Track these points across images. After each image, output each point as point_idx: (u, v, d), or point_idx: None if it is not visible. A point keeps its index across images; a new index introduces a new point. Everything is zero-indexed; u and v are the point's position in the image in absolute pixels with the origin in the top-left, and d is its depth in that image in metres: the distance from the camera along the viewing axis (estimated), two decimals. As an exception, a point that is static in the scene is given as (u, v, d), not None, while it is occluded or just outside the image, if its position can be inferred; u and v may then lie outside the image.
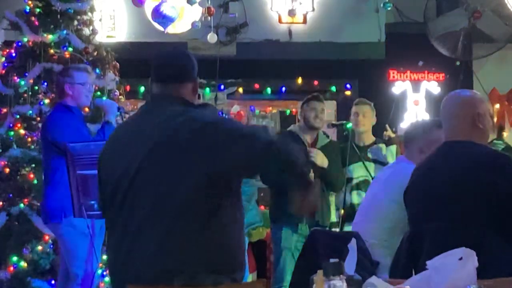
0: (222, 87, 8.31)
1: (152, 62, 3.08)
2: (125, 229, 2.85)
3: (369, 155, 6.00)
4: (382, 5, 7.91)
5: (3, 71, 6.08)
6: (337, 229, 5.71)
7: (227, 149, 2.78)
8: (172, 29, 7.54)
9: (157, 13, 7.36)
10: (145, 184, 2.82)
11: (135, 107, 8.57)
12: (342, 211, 5.87)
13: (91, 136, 4.95)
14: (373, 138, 6.18)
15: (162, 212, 2.78)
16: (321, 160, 5.73)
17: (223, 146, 2.79)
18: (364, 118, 6.11)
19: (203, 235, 2.77)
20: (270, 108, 9.31)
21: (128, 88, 6.80)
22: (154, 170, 2.81)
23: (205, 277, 2.77)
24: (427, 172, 3.37)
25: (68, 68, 5.25)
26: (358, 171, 5.89)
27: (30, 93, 5.94)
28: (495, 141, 7.10)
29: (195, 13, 7.58)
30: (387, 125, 6.48)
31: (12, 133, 5.93)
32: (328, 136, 6.13)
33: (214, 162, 2.77)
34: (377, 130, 6.32)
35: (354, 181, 5.91)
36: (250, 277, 6.23)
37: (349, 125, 6.25)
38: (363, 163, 5.77)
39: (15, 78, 5.98)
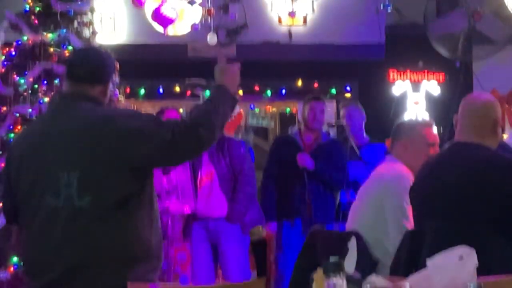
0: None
1: (67, 59, 3.14)
2: (45, 228, 2.90)
3: None
4: (382, 6, 7.91)
5: (3, 70, 6.07)
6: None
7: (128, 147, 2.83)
8: (172, 30, 7.54)
9: (157, 15, 7.37)
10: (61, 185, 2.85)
11: (136, 108, 8.59)
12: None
13: None
14: (366, 139, 6.25)
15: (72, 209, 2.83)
16: (304, 162, 5.78)
17: (124, 143, 2.83)
18: (350, 119, 6.20)
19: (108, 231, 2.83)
20: (270, 108, 9.31)
21: (128, 89, 6.80)
22: (69, 171, 2.85)
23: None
24: (432, 171, 3.38)
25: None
26: (354, 170, 5.91)
27: (30, 92, 5.94)
28: None
29: (195, 14, 7.58)
30: None
31: (12, 134, 5.92)
32: (329, 134, 6.18)
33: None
34: (378, 131, 6.32)
35: (351, 180, 5.93)
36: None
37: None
38: (363, 162, 5.79)
39: (15, 77, 5.97)
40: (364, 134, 6.30)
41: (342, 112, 6.32)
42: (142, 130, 2.85)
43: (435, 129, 4.18)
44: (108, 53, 3.19)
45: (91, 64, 3.05)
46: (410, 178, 3.87)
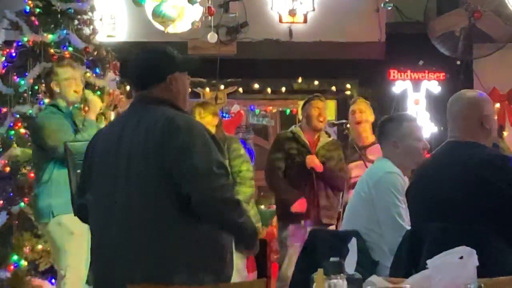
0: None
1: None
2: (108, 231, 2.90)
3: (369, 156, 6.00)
4: (382, 4, 7.91)
5: (3, 71, 6.07)
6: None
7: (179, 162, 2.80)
8: (172, 28, 7.53)
9: (157, 13, 7.36)
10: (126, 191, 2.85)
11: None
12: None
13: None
14: (373, 138, 6.16)
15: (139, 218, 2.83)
16: (314, 163, 5.74)
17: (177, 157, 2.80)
18: (362, 114, 6.11)
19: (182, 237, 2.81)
20: (270, 107, 9.31)
21: (129, 88, 6.79)
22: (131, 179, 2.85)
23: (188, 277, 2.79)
24: (430, 171, 3.37)
25: (52, 66, 5.27)
26: (356, 170, 5.89)
27: (30, 92, 5.94)
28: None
29: (196, 12, 7.57)
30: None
31: (12, 132, 5.93)
32: (330, 135, 6.14)
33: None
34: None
35: (352, 180, 5.91)
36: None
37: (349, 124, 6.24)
38: (364, 162, 5.76)
39: (15, 77, 5.98)
40: (371, 133, 6.21)
41: (351, 108, 6.21)
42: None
43: (419, 124, 4.13)
44: (158, 49, 3.12)
45: (137, 70, 3.04)
46: (399, 175, 3.84)
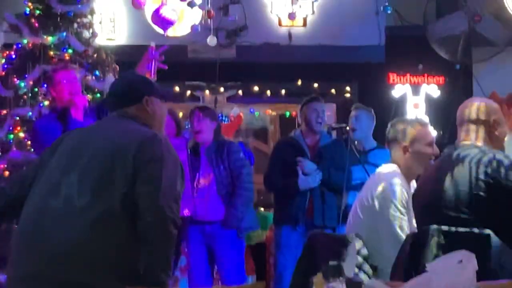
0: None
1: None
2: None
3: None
4: (382, 8, 7.91)
5: (3, 73, 6.08)
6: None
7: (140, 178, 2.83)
8: (172, 32, 7.53)
9: (157, 16, 7.35)
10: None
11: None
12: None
13: None
14: (374, 143, 6.14)
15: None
16: (308, 168, 5.71)
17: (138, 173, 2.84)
18: (357, 122, 6.10)
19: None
20: (270, 111, 9.31)
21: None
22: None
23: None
24: (437, 174, 3.37)
25: (49, 71, 5.29)
26: (356, 173, 5.87)
27: (30, 95, 5.94)
28: None
29: (195, 16, 7.57)
30: None
31: (11, 136, 5.92)
32: (331, 136, 6.12)
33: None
34: (378, 134, 6.31)
35: (352, 183, 5.89)
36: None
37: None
38: (363, 166, 5.74)
39: (15, 80, 5.97)
40: (372, 139, 6.19)
41: (351, 114, 6.21)
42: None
43: (430, 128, 4.09)
44: (136, 73, 3.42)
45: (115, 91, 3.20)
46: (402, 186, 3.78)
